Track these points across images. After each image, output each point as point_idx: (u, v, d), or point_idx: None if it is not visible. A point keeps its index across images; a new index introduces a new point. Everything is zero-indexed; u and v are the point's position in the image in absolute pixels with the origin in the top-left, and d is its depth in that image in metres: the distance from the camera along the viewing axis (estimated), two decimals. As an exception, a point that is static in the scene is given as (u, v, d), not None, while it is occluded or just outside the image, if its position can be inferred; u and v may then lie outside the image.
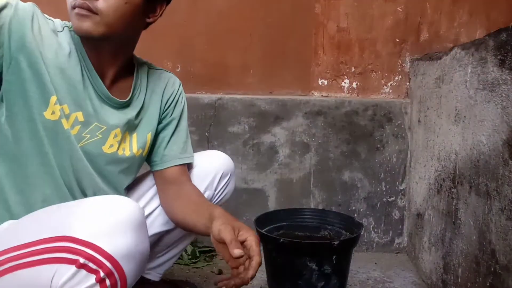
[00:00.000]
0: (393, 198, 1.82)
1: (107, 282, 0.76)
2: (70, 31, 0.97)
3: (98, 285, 0.76)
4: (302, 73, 1.87)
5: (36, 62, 0.89)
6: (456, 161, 1.28)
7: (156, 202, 1.20)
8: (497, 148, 1.02)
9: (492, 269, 1.04)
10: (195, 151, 1.28)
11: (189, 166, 1.22)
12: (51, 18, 0.97)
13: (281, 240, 1.34)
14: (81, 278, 0.75)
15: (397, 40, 1.83)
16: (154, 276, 1.32)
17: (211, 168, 1.25)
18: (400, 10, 1.82)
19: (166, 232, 1.24)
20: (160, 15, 1.04)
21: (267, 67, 1.88)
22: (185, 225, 1.08)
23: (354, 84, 1.87)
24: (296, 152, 1.82)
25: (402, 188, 1.81)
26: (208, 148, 1.77)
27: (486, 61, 1.09)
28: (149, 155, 1.17)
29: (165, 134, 1.16)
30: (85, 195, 1.01)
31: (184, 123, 1.21)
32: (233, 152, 1.80)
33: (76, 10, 0.89)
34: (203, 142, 1.81)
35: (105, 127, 1.01)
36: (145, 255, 0.83)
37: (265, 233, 1.39)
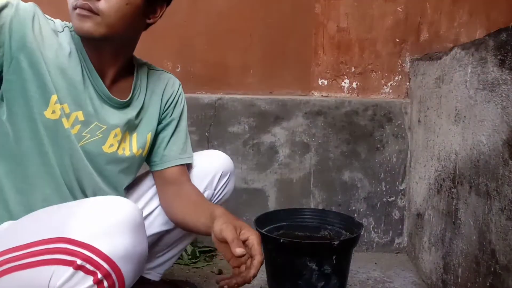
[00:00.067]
0: (393, 198, 1.82)
1: (105, 283, 0.76)
2: (70, 31, 0.98)
3: (95, 286, 0.76)
4: (302, 73, 1.87)
5: (36, 62, 0.90)
6: (456, 161, 1.28)
7: (155, 202, 1.20)
8: (497, 148, 1.02)
9: (492, 269, 1.04)
10: (195, 151, 1.28)
11: (188, 166, 1.22)
12: (52, 18, 0.97)
13: (281, 240, 1.34)
14: (78, 279, 0.75)
15: (397, 40, 1.83)
16: (154, 276, 1.32)
17: (211, 167, 1.25)
18: (400, 10, 1.82)
19: (166, 232, 1.24)
20: (160, 17, 1.04)
21: (267, 67, 1.88)
22: (185, 225, 1.08)
23: (354, 84, 1.87)
24: (296, 152, 1.82)
25: (402, 188, 1.81)
26: (208, 148, 1.77)
27: (486, 61, 1.09)
28: (148, 155, 1.17)
29: (165, 135, 1.17)
30: (85, 194, 1.01)
31: (184, 123, 1.21)
32: (233, 152, 1.80)
33: (77, 10, 0.90)
34: (203, 142, 1.81)
35: (105, 127, 1.01)
36: (143, 256, 0.83)
37: (265, 233, 1.39)
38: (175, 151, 1.17)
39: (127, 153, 1.08)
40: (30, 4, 0.91)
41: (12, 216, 0.93)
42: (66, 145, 0.96)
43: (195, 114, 1.80)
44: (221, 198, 1.29)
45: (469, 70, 1.20)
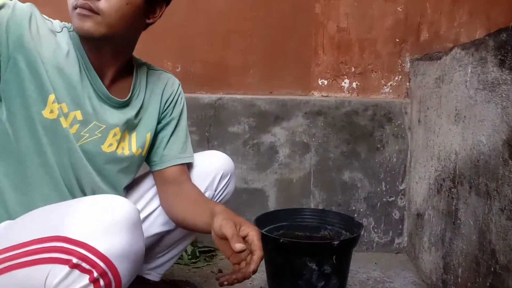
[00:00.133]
0: (393, 198, 1.82)
1: (101, 282, 0.76)
2: (69, 31, 0.98)
3: (92, 285, 0.75)
4: (302, 73, 1.87)
5: (34, 62, 0.90)
6: (456, 161, 1.28)
7: (156, 202, 1.20)
8: (497, 148, 1.02)
9: (492, 269, 1.04)
10: (195, 151, 1.28)
11: (189, 166, 1.22)
12: (50, 19, 0.98)
13: (281, 240, 1.34)
14: (74, 278, 0.75)
15: (397, 40, 1.83)
16: (154, 276, 1.32)
17: (212, 168, 1.24)
18: (400, 10, 1.82)
19: (167, 233, 1.24)
20: (160, 17, 1.05)
21: (267, 67, 1.88)
22: (185, 224, 1.08)
23: (354, 84, 1.87)
24: (296, 152, 1.82)
25: (402, 188, 1.81)
26: (208, 148, 1.77)
27: (486, 61, 1.09)
28: (148, 155, 1.17)
29: (164, 134, 1.17)
30: (84, 194, 1.02)
31: (184, 123, 1.21)
32: (233, 152, 1.80)
33: (78, 10, 0.90)
34: (203, 142, 1.81)
35: (104, 126, 1.01)
36: (140, 255, 0.83)
37: (265, 233, 1.39)
38: (175, 151, 1.17)
39: (126, 152, 1.08)
40: (28, 4, 0.91)
41: (11, 216, 0.93)
42: (64, 144, 0.96)
43: (195, 114, 1.80)
44: (221, 199, 1.29)
45: (469, 70, 1.20)
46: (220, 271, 1.61)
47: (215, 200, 1.26)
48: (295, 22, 1.85)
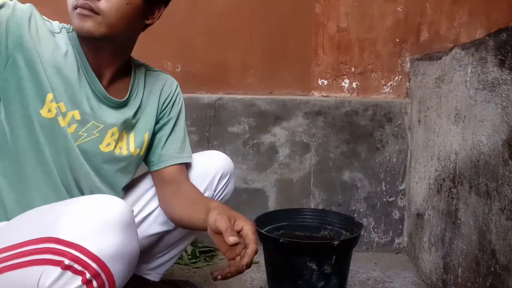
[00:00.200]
0: (393, 198, 1.82)
1: (94, 283, 0.76)
2: (68, 32, 0.99)
3: (84, 286, 0.75)
4: (302, 73, 1.87)
5: (33, 61, 0.91)
6: (456, 161, 1.28)
7: (156, 202, 1.20)
8: (497, 148, 1.02)
9: (492, 269, 1.04)
10: (195, 151, 1.28)
11: (188, 166, 1.22)
12: (49, 20, 0.98)
13: (281, 240, 1.34)
14: (67, 279, 0.75)
15: (397, 40, 1.83)
16: (154, 276, 1.32)
17: (211, 168, 1.24)
18: (400, 10, 1.82)
19: (166, 233, 1.24)
20: (158, 18, 1.06)
21: (267, 67, 1.88)
22: (183, 222, 1.08)
23: (354, 84, 1.87)
24: (296, 152, 1.82)
25: (402, 188, 1.81)
26: (208, 148, 1.77)
27: (486, 61, 1.09)
28: (146, 156, 1.17)
29: (163, 134, 1.17)
30: (82, 194, 1.02)
31: (182, 123, 1.21)
32: (233, 152, 1.80)
33: (78, 10, 0.91)
34: (203, 142, 1.81)
35: (102, 126, 1.02)
36: (134, 256, 0.83)
37: (265, 233, 1.39)
38: (173, 150, 1.17)
39: (124, 152, 1.08)
40: (27, 5, 0.92)
41: (9, 216, 0.93)
42: (62, 143, 0.96)
43: (195, 114, 1.80)
44: (221, 199, 1.28)
45: (469, 70, 1.20)
46: (220, 271, 1.61)
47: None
48: (295, 22, 1.85)
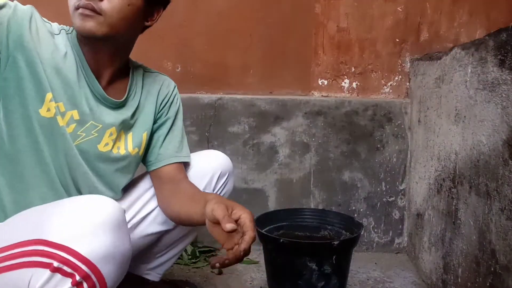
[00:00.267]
0: (393, 198, 1.82)
1: (85, 285, 0.75)
2: (67, 34, 1.00)
3: None
4: (302, 73, 1.87)
5: (33, 61, 0.91)
6: (456, 161, 1.28)
7: (155, 201, 1.20)
8: (497, 148, 1.02)
9: (492, 269, 1.04)
10: (195, 151, 1.28)
11: (186, 166, 1.22)
12: (49, 21, 0.99)
13: (281, 240, 1.34)
14: (56, 282, 0.74)
15: (397, 40, 1.83)
16: (153, 276, 1.32)
17: (209, 167, 1.25)
18: (400, 10, 1.82)
19: (166, 232, 1.24)
20: (157, 20, 1.07)
21: (267, 67, 1.88)
22: (182, 219, 1.07)
23: (354, 84, 1.87)
24: (296, 152, 1.82)
25: (402, 188, 1.81)
26: (208, 148, 1.77)
27: (486, 61, 1.09)
28: (144, 156, 1.17)
29: (160, 133, 1.17)
30: (80, 193, 1.02)
31: (180, 123, 1.21)
32: (233, 152, 1.80)
33: (80, 10, 0.92)
34: (203, 142, 1.81)
35: (100, 126, 1.02)
36: (126, 256, 0.82)
37: (265, 233, 1.39)
38: (171, 150, 1.17)
39: (122, 152, 1.08)
40: (28, 6, 0.93)
41: (8, 216, 0.94)
42: (61, 143, 0.97)
43: (195, 114, 1.80)
44: None
45: (469, 70, 1.20)
46: (220, 271, 1.61)
47: None
48: (295, 22, 1.85)
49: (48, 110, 0.94)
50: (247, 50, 1.87)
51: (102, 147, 1.04)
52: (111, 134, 1.05)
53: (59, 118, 0.95)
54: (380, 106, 1.80)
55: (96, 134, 1.02)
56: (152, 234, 1.21)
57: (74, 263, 0.74)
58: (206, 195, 1.00)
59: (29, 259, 0.76)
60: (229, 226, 0.83)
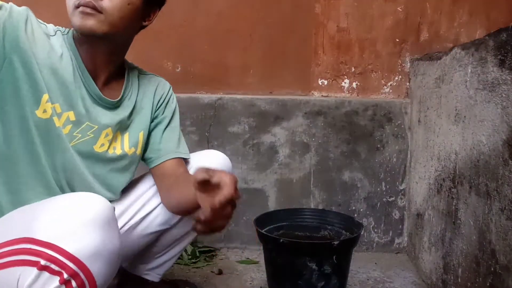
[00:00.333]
0: (393, 198, 1.82)
1: (73, 283, 0.75)
2: (63, 35, 1.01)
3: (63, 287, 0.74)
4: (302, 73, 1.87)
5: (29, 62, 0.92)
6: (456, 161, 1.28)
7: (155, 201, 1.20)
8: (497, 148, 1.02)
9: (492, 269, 1.04)
10: (195, 151, 1.28)
11: (186, 164, 1.22)
12: (44, 23, 1.00)
13: (281, 240, 1.34)
14: (44, 280, 0.74)
15: (397, 40, 1.83)
16: (153, 277, 1.32)
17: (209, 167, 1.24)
18: (400, 10, 1.82)
19: (164, 232, 1.24)
20: (152, 21, 1.09)
21: (267, 67, 1.88)
22: (183, 206, 1.06)
23: (354, 84, 1.87)
24: (296, 152, 1.82)
25: (402, 188, 1.81)
26: (208, 148, 1.77)
27: (486, 61, 1.09)
28: (144, 155, 1.18)
29: (158, 131, 1.18)
30: None
31: (177, 122, 1.22)
32: (233, 152, 1.80)
33: (81, 8, 0.92)
34: (203, 142, 1.81)
35: (96, 127, 1.03)
36: (115, 254, 0.81)
37: (265, 233, 1.39)
38: (171, 146, 1.18)
39: (118, 152, 1.09)
40: (23, 8, 0.94)
41: (2, 214, 0.93)
42: (57, 144, 0.97)
43: (195, 114, 1.80)
44: None
45: (469, 70, 1.20)
46: (220, 271, 1.61)
47: None
48: (295, 22, 1.85)
49: (45, 111, 0.94)
50: (247, 50, 1.87)
51: (98, 148, 1.04)
52: (107, 135, 1.05)
53: (55, 119, 0.96)
54: (380, 106, 1.80)
55: (92, 135, 1.03)
56: (151, 233, 1.21)
57: (62, 261, 0.74)
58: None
59: (17, 258, 0.76)
60: (200, 175, 0.80)
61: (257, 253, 1.76)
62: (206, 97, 1.82)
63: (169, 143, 1.18)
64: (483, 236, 1.09)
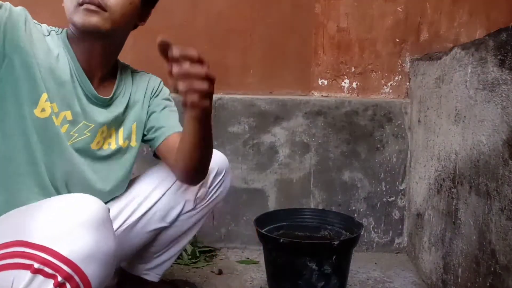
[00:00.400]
0: (393, 198, 1.82)
1: (68, 286, 0.74)
2: (57, 35, 1.02)
3: None
4: (302, 73, 1.87)
5: (28, 62, 0.92)
6: (456, 161, 1.28)
7: (152, 199, 1.21)
8: (497, 148, 1.02)
9: (492, 269, 1.04)
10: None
11: None
12: (39, 23, 1.01)
13: (281, 240, 1.34)
14: (38, 283, 0.73)
15: (397, 40, 1.83)
16: (152, 277, 1.32)
17: None
18: (400, 10, 1.82)
19: (163, 231, 1.24)
20: (146, 22, 1.12)
21: (267, 67, 1.88)
22: (187, 152, 1.05)
23: (354, 84, 1.87)
24: (296, 152, 1.82)
25: (402, 188, 1.81)
26: (208, 148, 1.77)
27: (486, 61, 1.09)
28: (148, 141, 1.18)
29: (156, 115, 1.18)
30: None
31: (175, 108, 1.22)
32: (233, 152, 1.80)
33: (85, 6, 0.94)
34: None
35: (92, 125, 1.04)
36: (110, 255, 0.80)
37: (265, 233, 1.39)
38: (172, 123, 1.18)
39: (113, 146, 1.10)
40: (21, 8, 0.94)
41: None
42: (56, 143, 0.97)
43: (195, 114, 1.80)
44: (217, 196, 1.29)
45: (469, 70, 1.20)
46: (220, 271, 1.61)
47: (209, 196, 1.28)
48: (295, 22, 1.85)
49: (43, 110, 0.95)
50: (247, 50, 1.87)
51: (94, 146, 1.06)
52: (102, 132, 1.07)
53: (54, 118, 0.96)
54: (380, 106, 1.80)
55: (89, 134, 1.04)
56: (150, 231, 1.21)
57: (55, 264, 0.73)
58: None
59: (11, 261, 0.75)
60: (175, 51, 0.85)
61: (257, 253, 1.76)
62: (206, 97, 1.81)
63: (170, 120, 1.18)
64: (483, 236, 1.09)
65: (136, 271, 1.31)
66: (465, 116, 1.22)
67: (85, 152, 1.04)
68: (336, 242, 1.33)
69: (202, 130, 0.99)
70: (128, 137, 1.13)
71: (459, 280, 1.23)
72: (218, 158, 1.28)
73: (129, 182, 1.20)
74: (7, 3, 0.92)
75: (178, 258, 1.65)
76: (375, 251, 1.84)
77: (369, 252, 1.83)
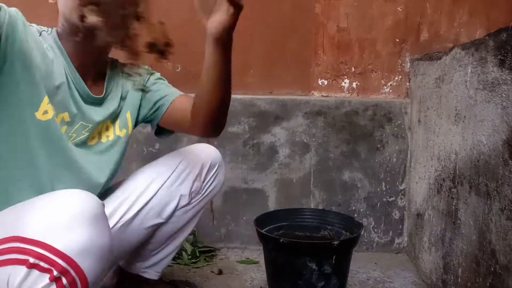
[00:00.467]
0: (393, 198, 1.82)
1: (64, 280, 0.74)
2: (48, 35, 1.01)
3: (54, 284, 0.74)
4: (302, 73, 1.87)
5: (29, 65, 0.92)
6: (456, 161, 1.28)
7: (147, 195, 1.21)
8: (497, 148, 1.02)
9: (492, 269, 1.04)
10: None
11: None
12: (30, 24, 1.00)
13: (281, 240, 1.34)
14: (34, 278, 0.74)
15: (397, 40, 1.83)
16: (152, 274, 1.32)
17: (198, 159, 1.27)
18: (400, 10, 1.82)
19: (159, 227, 1.25)
20: None
21: (267, 67, 1.88)
22: (206, 91, 1.12)
23: (354, 84, 1.87)
24: (296, 152, 1.82)
25: (402, 188, 1.81)
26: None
27: (486, 61, 1.09)
28: (151, 116, 1.20)
29: (151, 93, 1.19)
30: None
31: (169, 84, 1.24)
32: (233, 152, 1.80)
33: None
34: (203, 142, 1.81)
35: (90, 125, 1.05)
36: (106, 250, 0.80)
37: (265, 233, 1.39)
38: (173, 90, 1.20)
39: (111, 138, 1.12)
40: (15, 9, 0.93)
41: None
42: (58, 144, 0.98)
43: (195, 114, 1.80)
44: (211, 190, 1.30)
45: (469, 70, 1.20)
46: (220, 271, 1.61)
47: (204, 190, 1.28)
48: (295, 22, 1.85)
49: (46, 112, 0.95)
50: (247, 50, 1.87)
51: (92, 142, 1.08)
52: (100, 129, 1.09)
53: (55, 119, 0.97)
54: (380, 106, 1.80)
55: (87, 133, 1.05)
56: (146, 228, 1.22)
57: (51, 258, 0.73)
58: None
59: (6, 257, 0.76)
60: None
61: (257, 253, 1.76)
62: (206, 97, 1.82)
63: (170, 89, 1.20)
64: (483, 236, 1.09)
65: (134, 269, 1.31)
66: (465, 116, 1.22)
67: (84, 149, 1.05)
68: (336, 242, 1.33)
69: (224, 59, 1.04)
70: (125, 126, 1.15)
71: (459, 280, 1.23)
72: (211, 152, 1.30)
73: (124, 180, 1.21)
74: (2, 4, 0.90)
75: (178, 258, 1.65)
76: (375, 251, 1.84)
77: (369, 252, 1.83)
